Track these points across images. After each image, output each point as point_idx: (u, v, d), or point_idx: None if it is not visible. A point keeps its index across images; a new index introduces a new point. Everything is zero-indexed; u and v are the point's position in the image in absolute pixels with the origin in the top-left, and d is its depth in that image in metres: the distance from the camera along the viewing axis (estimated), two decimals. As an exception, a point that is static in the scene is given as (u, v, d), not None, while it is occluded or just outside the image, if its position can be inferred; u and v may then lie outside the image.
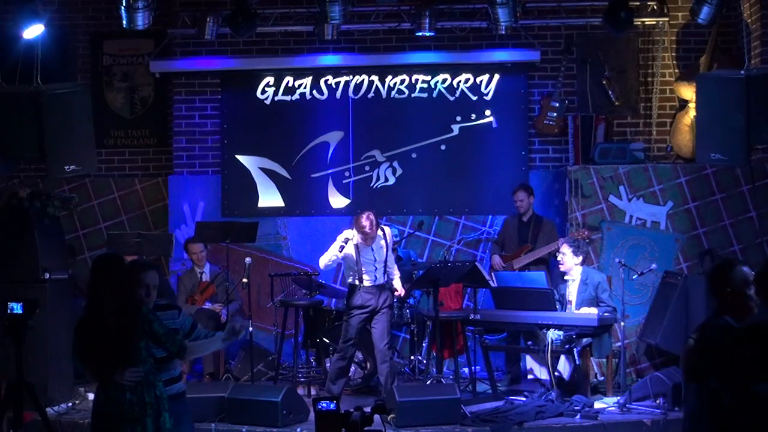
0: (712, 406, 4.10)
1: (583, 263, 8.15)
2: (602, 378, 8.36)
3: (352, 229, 7.70)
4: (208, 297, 8.81)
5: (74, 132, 7.46)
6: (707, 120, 7.52)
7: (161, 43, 9.73)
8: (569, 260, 8.08)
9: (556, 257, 8.41)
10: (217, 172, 9.82)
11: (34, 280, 7.53)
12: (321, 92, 9.74)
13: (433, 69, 9.67)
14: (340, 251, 7.61)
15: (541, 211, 9.12)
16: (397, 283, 7.87)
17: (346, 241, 7.60)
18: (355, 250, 7.64)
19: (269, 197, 9.77)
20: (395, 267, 7.92)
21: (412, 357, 8.70)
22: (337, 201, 9.71)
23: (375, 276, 7.65)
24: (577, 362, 7.77)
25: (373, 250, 7.65)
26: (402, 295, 8.01)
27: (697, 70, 9.15)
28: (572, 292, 8.09)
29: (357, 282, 7.64)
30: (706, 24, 8.53)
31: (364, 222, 7.55)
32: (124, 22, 8.27)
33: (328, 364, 8.11)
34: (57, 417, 7.10)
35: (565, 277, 8.18)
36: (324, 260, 7.77)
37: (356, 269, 7.63)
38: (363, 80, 9.72)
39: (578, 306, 7.99)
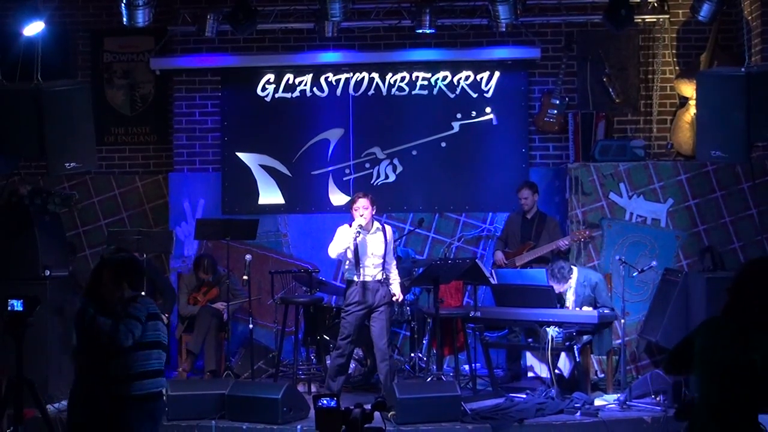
0: None
1: (575, 265, 8.16)
2: (602, 375, 8.36)
3: (350, 225, 7.67)
4: (210, 299, 8.81)
5: (75, 129, 7.45)
6: (707, 117, 7.52)
7: (161, 41, 9.73)
8: (564, 286, 8.01)
9: (559, 254, 8.43)
10: (218, 170, 9.82)
11: (35, 277, 7.53)
12: (321, 89, 9.74)
13: (433, 66, 9.67)
14: (358, 234, 7.52)
15: (542, 209, 9.12)
16: (396, 288, 7.79)
17: (359, 233, 7.54)
18: (354, 243, 7.61)
19: (269, 194, 9.77)
20: (395, 272, 7.85)
21: (413, 354, 8.70)
22: (338, 198, 9.70)
23: (373, 271, 7.64)
24: (578, 359, 7.78)
25: (367, 242, 7.61)
26: (400, 300, 7.98)
27: (698, 67, 9.15)
28: (569, 297, 8.06)
29: (355, 277, 7.63)
30: (706, 21, 8.54)
31: (356, 197, 7.62)
32: (125, 19, 8.27)
33: (328, 361, 8.11)
34: (57, 414, 7.10)
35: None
36: (336, 250, 7.65)
37: (354, 263, 7.62)
38: (363, 77, 9.72)
39: (576, 307, 7.98)
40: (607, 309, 7.88)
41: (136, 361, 4.90)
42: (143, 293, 5.20)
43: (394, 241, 8.32)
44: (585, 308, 7.88)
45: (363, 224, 7.55)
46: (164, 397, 5.20)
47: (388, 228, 7.86)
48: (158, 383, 5.01)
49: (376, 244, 7.66)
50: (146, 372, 4.94)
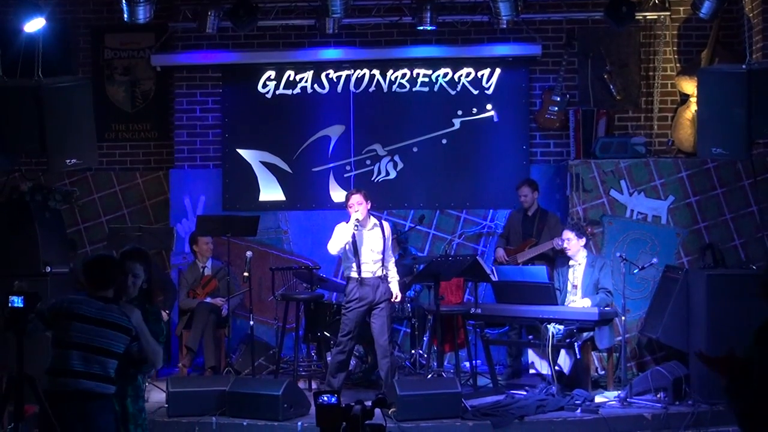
0: None
1: (586, 246, 8.19)
2: (603, 372, 8.37)
3: (348, 222, 7.68)
4: (209, 291, 8.82)
5: (75, 125, 7.45)
6: (708, 114, 7.52)
7: (162, 37, 9.73)
8: (575, 244, 8.10)
9: (560, 253, 8.42)
10: (218, 166, 9.82)
11: (35, 273, 7.51)
12: (322, 86, 9.74)
13: (434, 63, 9.67)
14: (356, 227, 7.56)
15: (542, 206, 9.11)
16: (394, 288, 7.78)
17: (357, 226, 7.57)
18: (353, 239, 7.62)
19: (270, 191, 9.77)
20: (394, 270, 7.85)
21: (413, 351, 8.71)
22: (338, 195, 9.69)
23: (373, 267, 7.64)
24: (578, 356, 7.78)
25: (366, 238, 7.61)
26: (398, 300, 7.97)
27: (699, 64, 9.15)
28: (578, 277, 8.11)
29: (354, 274, 7.63)
30: (707, 18, 8.53)
31: (349, 194, 7.68)
32: (126, 15, 8.27)
33: (328, 358, 8.11)
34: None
35: (570, 262, 8.19)
36: (336, 246, 7.66)
37: (353, 259, 7.62)
38: (364, 74, 9.71)
39: (584, 290, 8.00)
40: (605, 291, 7.91)
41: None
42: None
43: (397, 234, 8.32)
44: (585, 302, 7.88)
45: (360, 218, 7.56)
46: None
47: (386, 224, 7.86)
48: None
49: (374, 240, 7.66)
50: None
